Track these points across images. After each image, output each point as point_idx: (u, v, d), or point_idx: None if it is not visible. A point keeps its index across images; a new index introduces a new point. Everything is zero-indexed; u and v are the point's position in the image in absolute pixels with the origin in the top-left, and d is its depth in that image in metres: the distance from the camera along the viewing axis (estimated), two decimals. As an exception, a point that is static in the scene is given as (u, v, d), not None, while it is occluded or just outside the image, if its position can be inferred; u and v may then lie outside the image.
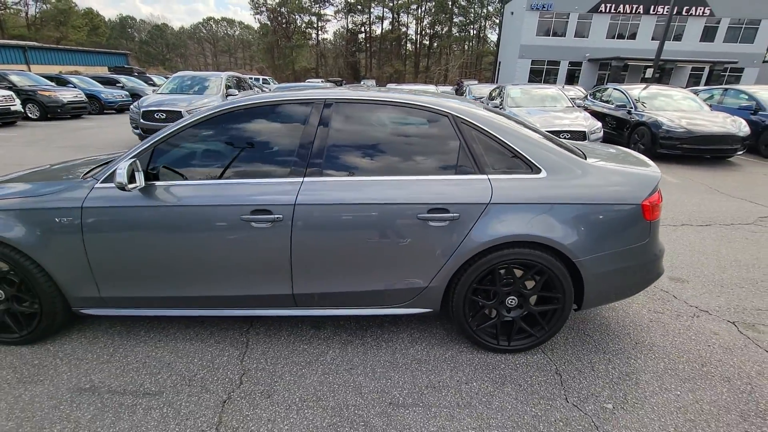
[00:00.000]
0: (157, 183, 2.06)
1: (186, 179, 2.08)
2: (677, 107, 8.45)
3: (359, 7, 55.32)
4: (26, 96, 12.33)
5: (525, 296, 2.14)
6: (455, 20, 57.04)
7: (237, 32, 77.62)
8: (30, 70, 20.15)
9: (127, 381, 2.01)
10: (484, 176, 2.04)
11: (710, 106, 9.08)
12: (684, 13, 31.21)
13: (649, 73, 21.88)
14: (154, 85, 20.58)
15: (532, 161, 2.07)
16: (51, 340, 2.31)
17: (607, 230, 2.05)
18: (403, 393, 1.95)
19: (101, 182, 2.06)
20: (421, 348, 2.28)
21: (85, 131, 10.53)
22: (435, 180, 2.04)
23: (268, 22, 56.55)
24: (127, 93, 16.54)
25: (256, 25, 66.69)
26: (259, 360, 2.17)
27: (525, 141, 2.10)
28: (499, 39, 38.16)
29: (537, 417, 1.81)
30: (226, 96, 9.85)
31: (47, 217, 2.03)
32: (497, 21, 57.47)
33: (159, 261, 2.07)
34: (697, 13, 31.20)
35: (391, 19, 56.95)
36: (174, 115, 8.39)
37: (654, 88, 9.17)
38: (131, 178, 1.94)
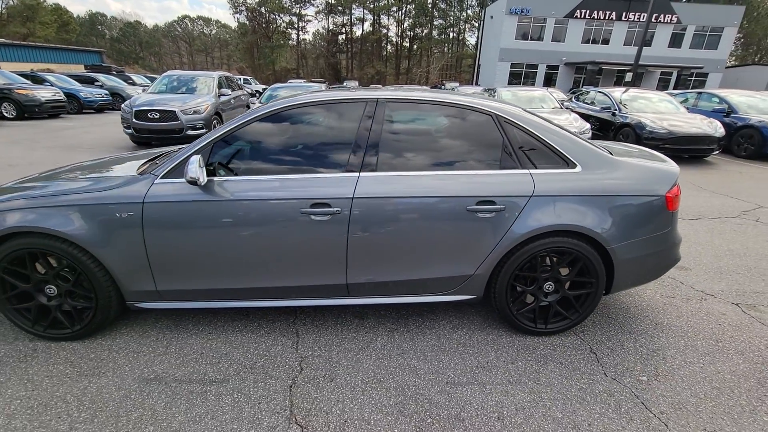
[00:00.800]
0: (217, 178, 2.13)
1: (243, 175, 2.16)
2: (656, 109, 8.95)
3: (340, 8, 55.32)
4: (1, 95, 11.84)
5: (561, 282, 2.32)
6: (435, 23, 57.80)
7: (213, 31, 76.25)
8: (-1, 68, 19.29)
9: (189, 371, 2.07)
10: (526, 171, 2.21)
11: (687, 108, 9.64)
12: (653, 20, 32.66)
13: (628, 76, 22.82)
14: (134, 84, 20.05)
15: (569, 157, 2.25)
16: (101, 334, 2.34)
17: (635, 220, 2.25)
18: (456, 373, 2.09)
19: (161, 178, 2.12)
20: (463, 333, 2.43)
21: (68, 131, 10.21)
22: (482, 174, 2.19)
23: (247, 22, 55.77)
24: (107, 92, 16.07)
25: (233, 24, 65.61)
26: (313, 348, 2.27)
27: (561, 138, 2.28)
28: (479, 42, 38.87)
29: (582, 390, 1.99)
30: (219, 96, 9.77)
31: (108, 212, 2.07)
32: (476, 24, 58.60)
33: (217, 254, 2.14)
34: (666, 21, 32.72)
35: (371, 21, 57.21)
36: (168, 115, 8.29)
37: (633, 91, 9.66)
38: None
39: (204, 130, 8.56)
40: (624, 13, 32.56)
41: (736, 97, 9.60)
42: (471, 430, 1.74)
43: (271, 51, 54.78)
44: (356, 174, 2.15)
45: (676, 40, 34.04)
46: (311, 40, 64.74)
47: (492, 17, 35.77)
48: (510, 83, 33.95)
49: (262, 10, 53.65)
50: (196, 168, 1.93)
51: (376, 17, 56.21)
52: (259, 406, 1.85)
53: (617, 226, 2.21)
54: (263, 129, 2.21)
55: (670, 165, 2.44)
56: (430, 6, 55.61)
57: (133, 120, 8.20)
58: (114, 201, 2.08)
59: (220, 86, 9.93)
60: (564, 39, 33.59)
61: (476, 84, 34.66)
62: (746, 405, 1.91)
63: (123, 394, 1.91)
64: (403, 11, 56.25)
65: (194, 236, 2.11)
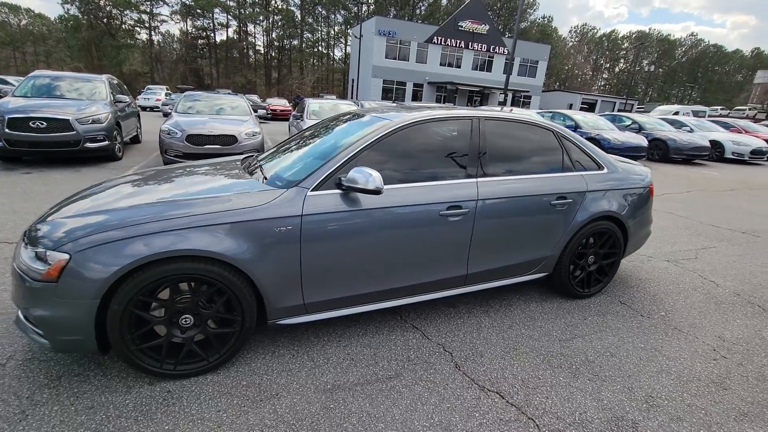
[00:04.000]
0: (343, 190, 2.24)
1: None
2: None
3: (198, 10, 50.95)
4: None
5: (599, 255, 3.12)
6: (305, 36, 58.14)
7: (24, 22, 61.46)
8: None
9: (358, 375, 2.15)
10: (579, 173, 2.94)
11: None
12: (491, 51, 39.54)
13: (500, 97, 26.98)
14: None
15: (600, 162, 3.07)
16: (231, 363, 2.18)
17: (637, 204, 3.19)
18: (558, 332, 2.65)
19: (312, 190, 2.14)
20: (536, 306, 3.01)
21: None
22: (555, 177, 2.83)
23: (80, 15, 46.67)
24: None
25: (52, 16, 54.05)
26: (443, 336, 2.55)
27: (592, 148, 3.09)
28: (355, 58, 40.72)
29: (642, 325, 2.77)
30: (115, 102, 8.39)
31: (267, 227, 2.01)
32: (342, 41, 61.00)
33: (363, 260, 2.26)
34: (500, 52, 39.91)
35: (236, 28, 54.30)
36: (59, 124, 6.84)
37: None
38: (339, 186, 2.14)
39: (106, 143, 7.31)
40: (470, 43, 38.50)
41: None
42: (602, 366, 2.33)
43: (117, 51, 46.97)
44: (475, 180, 2.54)
45: (507, 68, 41.82)
46: (163, 42, 57.84)
47: (357, 36, 38.05)
48: (383, 98, 36.61)
49: (101, 3, 45.66)
50: (378, 178, 2.06)
51: (241, 25, 53.62)
52: (448, 386, 2.09)
53: (628, 209, 3.11)
54: (393, 143, 2.42)
55: (644, 166, 3.50)
56: (298, 19, 55.75)
57: (6, 130, 6.54)
58: (273, 216, 2.03)
59: (112, 92, 8.55)
60: (426, 61, 37.89)
61: (353, 98, 36.35)
62: (703, 306, 2.97)
63: (320, 405, 1.91)
64: (271, 21, 55.07)
65: (346, 245, 2.20)
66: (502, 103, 25.00)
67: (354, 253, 2.23)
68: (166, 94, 26.55)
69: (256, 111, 9.82)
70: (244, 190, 2.16)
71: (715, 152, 13.34)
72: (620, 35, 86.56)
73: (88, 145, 7.10)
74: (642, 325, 2.80)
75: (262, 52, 57.80)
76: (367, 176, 2.06)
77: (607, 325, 2.77)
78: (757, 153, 13.09)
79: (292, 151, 2.78)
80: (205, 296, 1.98)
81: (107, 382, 2.00)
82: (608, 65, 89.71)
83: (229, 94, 9.92)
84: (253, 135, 7.35)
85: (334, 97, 36.03)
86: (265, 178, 2.37)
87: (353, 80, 42.63)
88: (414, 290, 2.51)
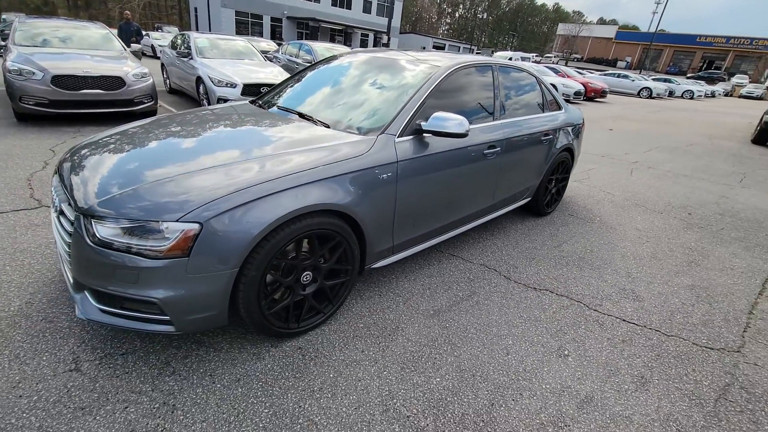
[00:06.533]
0: (426, 134, 2.39)
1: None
2: None
3: None
4: None
5: (557, 179, 3.92)
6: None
7: None
8: None
9: (443, 300, 2.46)
10: (554, 113, 3.58)
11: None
12: (351, -13, 38.26)
13: (385, 39, 26.31)
14: None
15: (561, 104, 3.76)
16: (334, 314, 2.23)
17: (578, 136, 4.06)
18: (553, 238, 3.39)
19: (398, 136, 2.20)
20: (521, 224, 3.70)
21: None
22: (543, 116, 3.40)
23: None
24: None
25: None
26: (477, 257, 3.00)
27: (556, 93, 3.74)
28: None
29: (593, 228, 3.72)
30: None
31: (373, 176, 2.04)
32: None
33: (436, 199, 2.48)
34: (359, -11, 38.94)
35: None
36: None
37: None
38: (416, 131, 2.28)
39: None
40: (328, -24, 36.36)
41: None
42: (591, 260, 3.15)
43: None
44: (500, 121, 2.91)
45: (366, 8, 41.38)
46: None
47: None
48: (238, 33, 32.55)
49: None
50: (466, 121, 2.22)
51: None
52: (513, 293, 2.59)
53: (576, 141, 3.96)
54: (443, 86, 2.56)
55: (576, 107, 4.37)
56: None
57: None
58: (379, 163, 2.06)
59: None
60: (284, -8, 34.56)
61: (197, 29, 31.24)
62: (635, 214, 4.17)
63: (438, 327, 2.19)
64: None
65: (426, 186, 2.37)
66: (386, 45, 25.11)
67: (430, 193, 2.42)
68: None
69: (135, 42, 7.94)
70: (338, 140, 2.10)
71: (551, 93, 16.35)
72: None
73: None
74: (592, 228, 3.77)
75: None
76: (456, 120, 2.21)
77: (574, 232, 3.64)
78: (577, 94, 16.60)
79: (331, 96, 2.67)
80: (324, 250, 1.96)
81: (227, 355, 1.87)
82: (449, 11, 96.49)
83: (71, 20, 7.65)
84: (143, 77, 6.09)
85: (176, 28, 30.40)
86: (327, 126, 2.31)
87: (196, 9, 36.43)
88: (462, 222, 2.85)
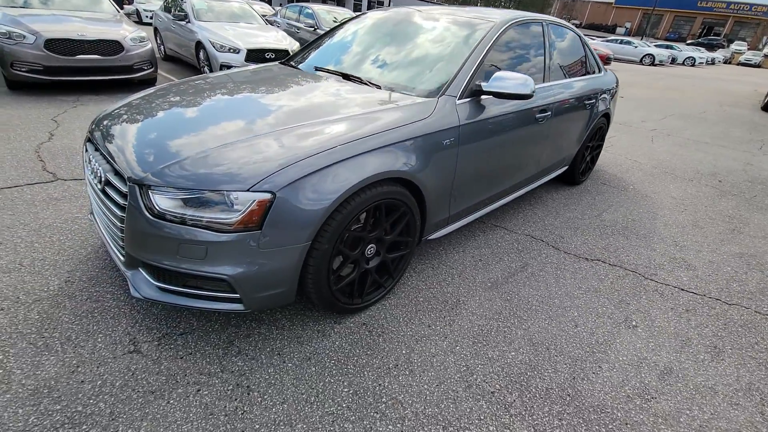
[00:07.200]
0: (483, 97, 2.23)
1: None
2: None
3: None
4: None
5: (593, 147, 3.78)
6: None
7: None
8: None
9: (498, 272, 2.37)
10: (595, 76, 3.39)
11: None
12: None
13: None
14: None
15: (600, 66, 3.57)
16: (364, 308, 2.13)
17: (614, 98, 3.88)
18: (591, 208, 3.29)
19: (459, 99, 2.03)
20: (556, 194, 3.58)
21: None
22: (587, 79, 3.22)
23: None
24: None
25: None
26: (521, 227, 2.90)
27: (597, 58, 3.54)
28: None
29: (629, 197, 3.63)
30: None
31: (436, 141, 1.89)
32: None
33: (492, 165, 2.34)
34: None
35: None
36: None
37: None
38: (475, 93, 2.11)
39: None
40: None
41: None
42: (635, 229, 3.06)
43: None
44: (550, 83, 2.74)
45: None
46: None
47: None
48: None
49: None
50: (531, 81, 2.05)
51: None
52: (566, 264, 2.51)
53: (612, 106, 3.79)
54: (498, 44, 2.37)
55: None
56: None
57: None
58: (442, 128, 1.90)
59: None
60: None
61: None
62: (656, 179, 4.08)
63: (499, 300, 2.11)
64: None
65: (484, 152, 2.23)
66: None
67: (485, 160, 2.28)
68: None
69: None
70: (398, 102, 1.93)
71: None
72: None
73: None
74: (628, 196, 3.67)
75: None
76: (519, 80, 2.04)
77: (611, 201, 3.54)
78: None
79: (376, 55, 2.46)
80: (390, 221, 1.84)
81: (291, 333, 1.77)
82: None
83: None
84: (141, 41, 5.70)
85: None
86: (378, 87, 2.13)
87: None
88: (509, 191, 2.72)
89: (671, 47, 28.09)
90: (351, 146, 1.59)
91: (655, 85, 13.00)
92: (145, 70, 5.74)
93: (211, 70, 6.58)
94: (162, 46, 8.59)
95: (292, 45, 7.03)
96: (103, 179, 1.61)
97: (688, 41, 46.97)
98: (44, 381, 1.44)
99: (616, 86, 3.91)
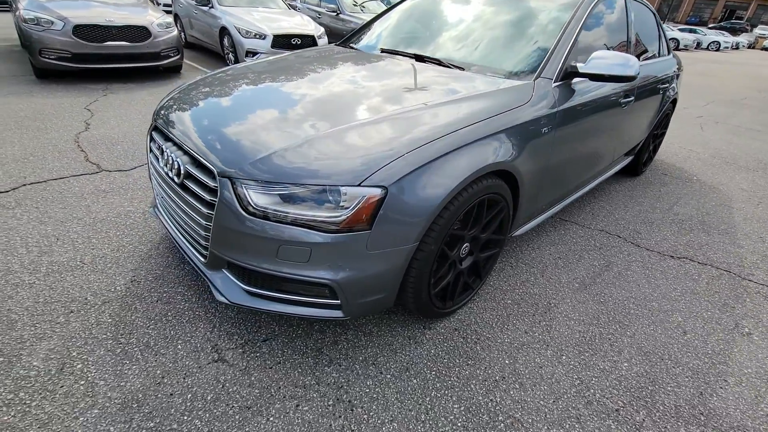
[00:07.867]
0: (576, 79, 2.02)
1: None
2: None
3: None
4: None
5: (657, 135, 3.54)
6: None
7: None
8: None
9: (583, 271, 2.20)
10: (666, 58, 3.14)
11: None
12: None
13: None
14: None
15: (670, 47, 3.31)
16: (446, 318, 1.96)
17: (678, 79, 3.61)
18: (660, 201, 3.08)
19: (554, 81, 1.83)
20: (619, 185, 3.37)
21: None
22: (661, 61, 2.99)
23: None
24: None
25: None
26: (593, 222, 2.71)
27: (666, 40, 3.28)
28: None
29: (693, 189, 3.40)
30: None
31: (535, 128, 1.70)
32: None
33: (577, 153, 2.13)
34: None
35: None
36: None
37: None
38: (569, 74, 1.90)
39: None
40: None
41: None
42: (711, 224, 2.85)
43: None
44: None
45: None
46: None
47: None
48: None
49: None
50: (635, 61, 1.84)
51: None
52: (651, 262, 2.32)
53: (678, 86, 3.53)
54: (588, 21, 2.15)
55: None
56: None
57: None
58: (540, 114, 1.72)
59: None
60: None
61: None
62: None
63: (591, 302, 1.94)
64: None
65: (573, 139, 2.03)
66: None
67: (574, 148, 2.08)
68: None
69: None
70: (492, 86, 1.75)
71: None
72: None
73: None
74: (694, 188, 3.44)
75: None
76: (621, 60, 1.82)
77: (678, 193, 3.32)
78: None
79: (453, 33, 2.25)
80: (488, 217, 1.66)
81: (380, 339, 1.62)
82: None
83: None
84: (167, 26, 5.54)
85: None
86: (461, 69, 1.94)
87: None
88: (585, 183, 2.52)
89: (695, 31, 27.07)
90: (463, 134, 1.41)
91: (688, 70, 12.48)
92: (171, 57, 5.58)
93: (236, 57, 6.39)
94: (183, 33, 8.41)
95: (317, 30, 6.81)
96: (182, 172, 1.46)
97: (710, 25, 45.31)
98: (131, 394, 1.31)
99: (680, 69, 3.65)
